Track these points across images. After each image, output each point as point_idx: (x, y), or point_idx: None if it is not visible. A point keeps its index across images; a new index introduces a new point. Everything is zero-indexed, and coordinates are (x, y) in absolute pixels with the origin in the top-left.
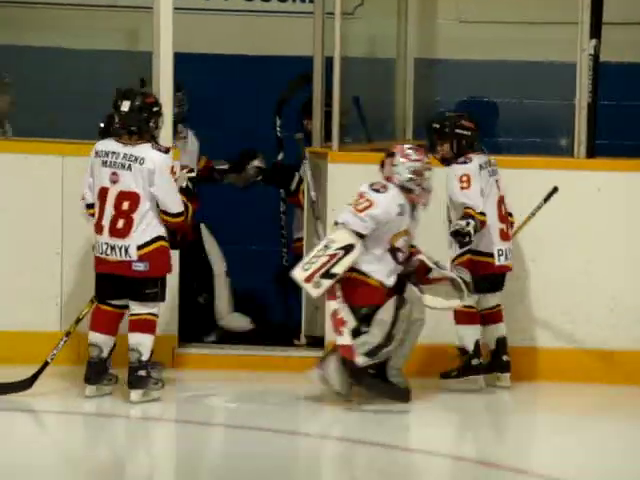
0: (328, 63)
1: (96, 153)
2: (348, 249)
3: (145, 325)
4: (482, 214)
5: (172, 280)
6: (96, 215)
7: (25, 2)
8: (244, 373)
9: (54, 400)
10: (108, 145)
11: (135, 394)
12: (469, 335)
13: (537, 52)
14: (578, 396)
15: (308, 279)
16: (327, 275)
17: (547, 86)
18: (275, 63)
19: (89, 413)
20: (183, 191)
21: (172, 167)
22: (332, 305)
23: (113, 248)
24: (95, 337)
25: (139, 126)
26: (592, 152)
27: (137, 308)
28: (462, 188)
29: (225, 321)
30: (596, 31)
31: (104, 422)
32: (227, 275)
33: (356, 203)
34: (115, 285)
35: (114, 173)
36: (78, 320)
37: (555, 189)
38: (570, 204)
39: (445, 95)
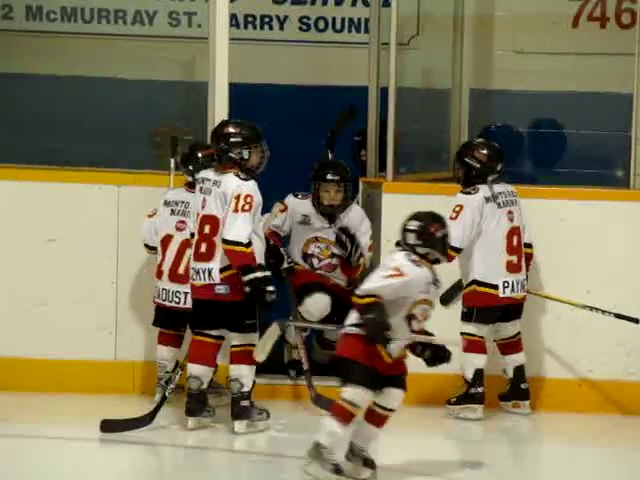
0: (383, 93)
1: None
2: None
3: (243, 356)
4: (453, 249)
5: None
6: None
7: (83, 33)
8: (289, 403)
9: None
10: (205, 173)
11: (239, 425)
12: (471, 364)
13: (593, 83)
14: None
15: None
16: None
17: (603, 117)
18: (331, 93)
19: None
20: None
21: (248, 196)
22: None
23: (197, 272)
24: (195, 369)
25: (219, 156)
26: None
27: (237, 339)
28: (450, 217)
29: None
30: None
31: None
32: None
33: None
34: (211, 315)
35: (204, 199)
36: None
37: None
38: (627, 235)
39: (501, 125)
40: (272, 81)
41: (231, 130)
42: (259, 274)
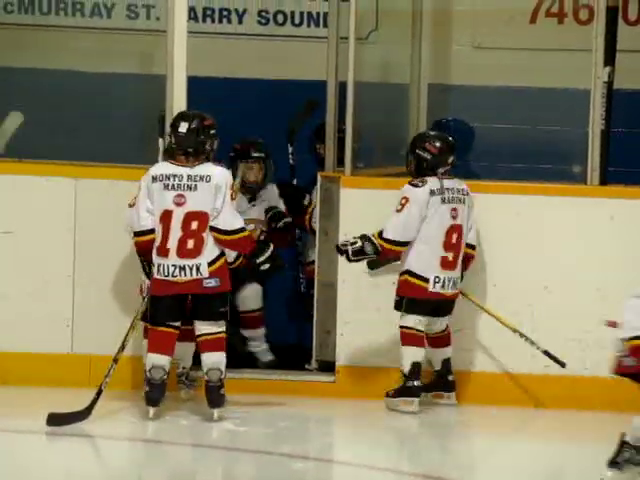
0: (342, 88)
1: (153, 178)
2: None
3: (220, 344)
4: (388, 241)
5: None
6: (158, 239)
7: (39, 25)
8: (254, 396)
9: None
10: (166, 168)
11: (218, 412)
12: (408, 356)
13: (551, 79)
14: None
15: None
16: None
17: (561, 113)
18: (289, 87)
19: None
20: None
21: (233, 184)
22: None
23: (183, 268)
24: (159, 359)
25: (196, 148)
26: (605, 179)
27: (209, 328)
28: (396, 210)
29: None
30: (610, 58)
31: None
32: None
33: None
34: (176, 307)
35: (179, 195)
36: (123, 347)
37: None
38: (582, 232)
39: (455, 119)
40: (230, 75)
41: (211, 122)
42: (268, 253)
